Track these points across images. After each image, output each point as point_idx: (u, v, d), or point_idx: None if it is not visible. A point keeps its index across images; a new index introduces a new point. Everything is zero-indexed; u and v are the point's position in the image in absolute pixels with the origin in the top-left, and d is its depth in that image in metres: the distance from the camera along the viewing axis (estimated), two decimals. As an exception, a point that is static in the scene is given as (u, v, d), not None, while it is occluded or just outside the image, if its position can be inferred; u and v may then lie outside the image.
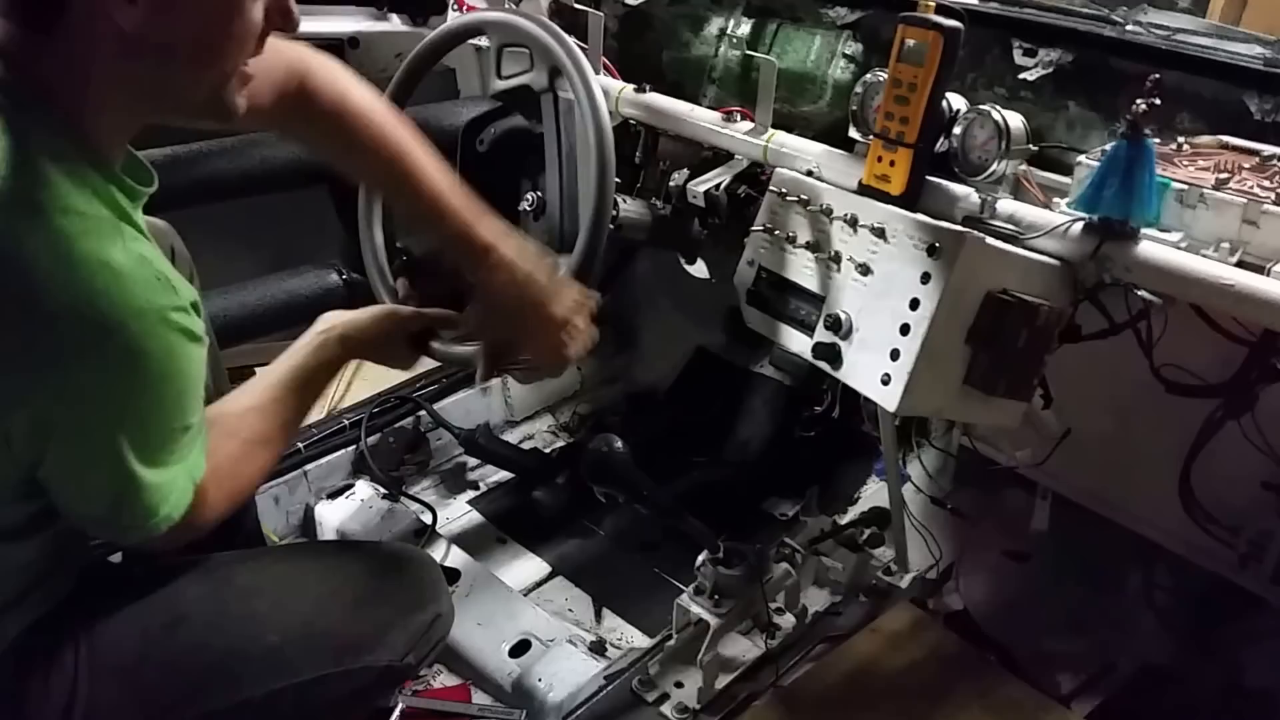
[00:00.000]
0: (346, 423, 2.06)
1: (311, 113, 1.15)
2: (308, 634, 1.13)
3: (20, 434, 0.86)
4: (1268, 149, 1.18)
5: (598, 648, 1.69)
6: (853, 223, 1.26)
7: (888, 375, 1.18)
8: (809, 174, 1.38)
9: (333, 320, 1.22)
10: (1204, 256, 1.10)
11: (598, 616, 1.85)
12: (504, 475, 2.18)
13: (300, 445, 1.98)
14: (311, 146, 1.29)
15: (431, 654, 1.27)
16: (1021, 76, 1.38)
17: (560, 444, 2.33)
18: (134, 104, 0.89)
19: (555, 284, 1.22)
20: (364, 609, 1.18)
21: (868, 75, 1.37)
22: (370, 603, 1.19)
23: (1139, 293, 1.16)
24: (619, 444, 1.43)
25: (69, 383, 0.83)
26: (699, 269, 1.69)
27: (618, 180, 1.37)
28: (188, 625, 1.10)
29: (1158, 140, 1.11)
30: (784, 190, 1.35)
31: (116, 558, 1.46)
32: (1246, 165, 1.16)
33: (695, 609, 1.50)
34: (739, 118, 1.52)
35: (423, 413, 2.15)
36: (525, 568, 1.96)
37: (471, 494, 2.15)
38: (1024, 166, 1.26)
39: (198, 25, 0.84)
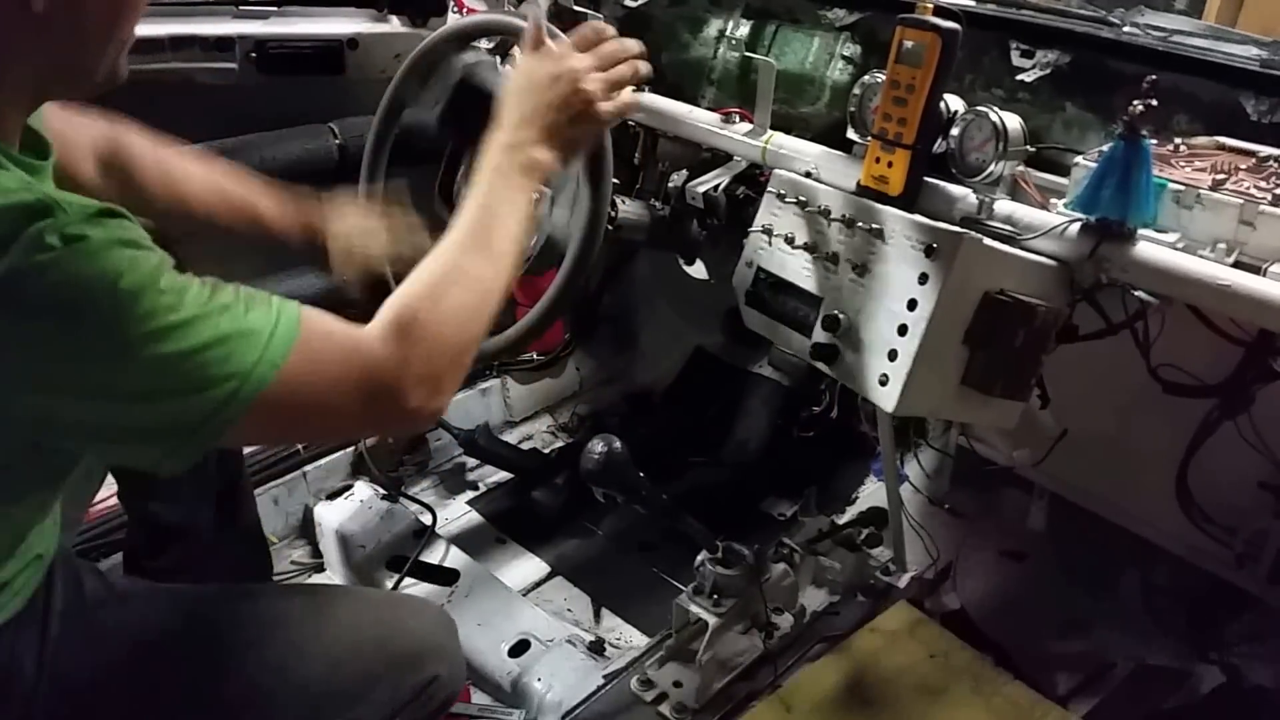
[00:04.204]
0: (346, 423, 2.06)
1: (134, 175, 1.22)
2: (282, 680, 1.06)
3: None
4: (1264, 150, 1.19)
5: (596, 647, 1.69)
6: (851, 224, 1.26)
7: (885, 376, 1.19)
8: (807, 175, 1.39)
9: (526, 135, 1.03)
10: (1200, 257, 1.11)
11: (596, 616, 1.85)
12: (503, 476, 2.19)
13: (300, 446, 1.99)
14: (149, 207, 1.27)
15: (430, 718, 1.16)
16: (1019, 78, 1.39)
17: (559, 444, 2.34)
18: (37, 83, 0.86)
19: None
20: (350, 661, 1.09)
21: (866, 77, 1.37)
22: (358, 655, 1.10)
23: (1136, 293, 1.17)
24: (618, 444, 1.43)
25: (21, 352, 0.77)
26: (698, 270, 1.70)
27: (616, 181, 1.37)
28: (155, 655, 1.04)
29: (1155, 141, 1.11)
30: (782, 191, 1.36)
31: (106, 565, 1.46)
32: (1243, 166, 1.16)
33: (694, 609, 1.51)
34: (738, 119, 1.53)
35: (422, 413, 2.15)
36: (524, 568, 1.96)
37: (471, 494, 2.15)
38: (1021, 167, 1.26)
39: (109, 3, 0.84)
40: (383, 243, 1.37)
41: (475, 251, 0.96)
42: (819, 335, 1.28)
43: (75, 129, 1.16)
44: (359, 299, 1.34)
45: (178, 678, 1.04)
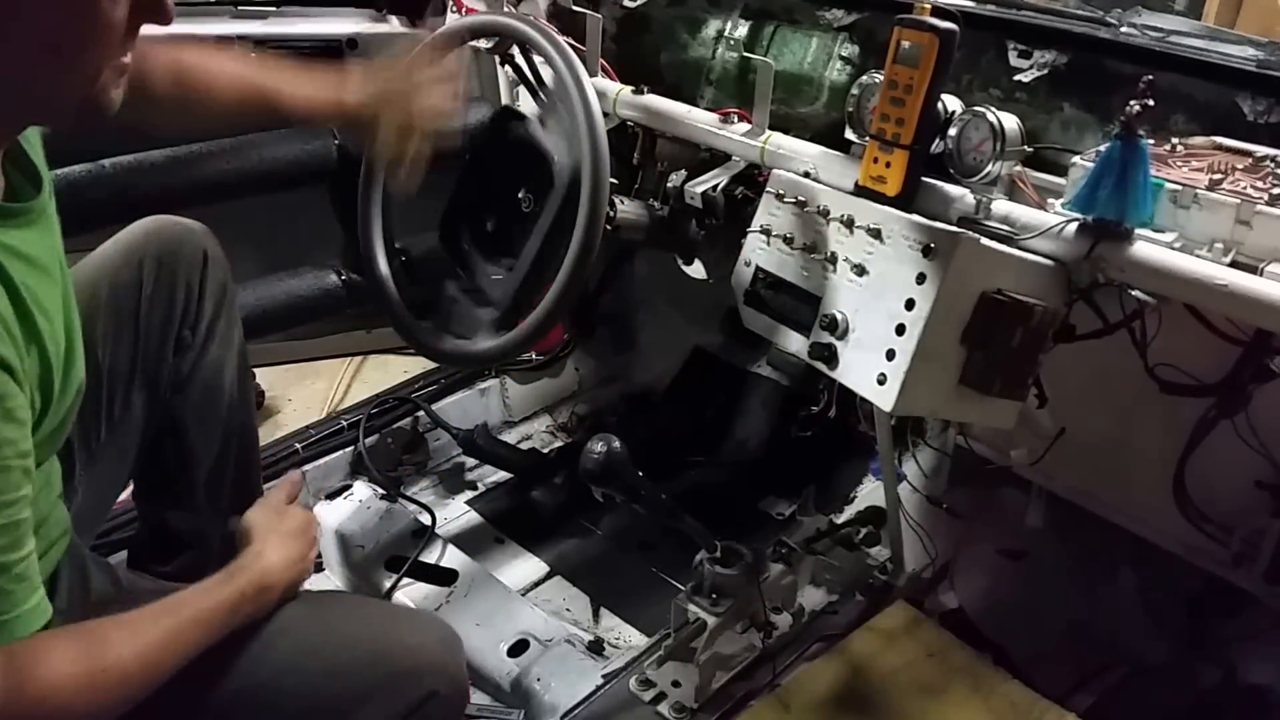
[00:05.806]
0: (345, 424, 2.07)
1: (151, 88, 1.15)
2: (278, 687, 1.04)
3: None
4: (1261, 150, 1.19)
5: (595, 647, 1.69)
6: (849, 224, 1.26)
7: (884, 375, 1.19)
8: (806, 175, 1.39)
9: (277, 578, 1.09)
10: (1197, 257, 1.11)
11: (595, 616, 1.85)
12: (502, 476, 2.19)
13: (298, 446, 1.99)
14: (161, 121, 1.25)
15: None
16: (1016, 78, 1.39)
17: (558, 444, 2.34)
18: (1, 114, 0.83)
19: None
20: (347, 672, 1.08)
21: (864, 77, 1.37)
22: (355, 667, 1.08)
23: (1133, 293, 1.17)
24: (617, 444, 1.43)
25: None
26: (696, 270, 1.70)
27: (615, 181, 1.37)
28: None
29: (1152, 141, 1.11)
30: (781, 191, 1.36)
31: (113, 560, 1.45)
32: (1240, 166, 1.16)
33: (693, 608, 1.51)
34: (736, 119, 1.53)
35: (421, 413, 2.16)
36: (523, 568, 1.96)
37: (470, 494, 2.15)
38: (1019, 167, 1.27)
39: (49, 29, 0.78)
40: (430, 107, 1.30)
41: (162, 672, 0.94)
42: (817, 335, 1.28)
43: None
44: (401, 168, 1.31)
45: (175, 680, 1.01)
